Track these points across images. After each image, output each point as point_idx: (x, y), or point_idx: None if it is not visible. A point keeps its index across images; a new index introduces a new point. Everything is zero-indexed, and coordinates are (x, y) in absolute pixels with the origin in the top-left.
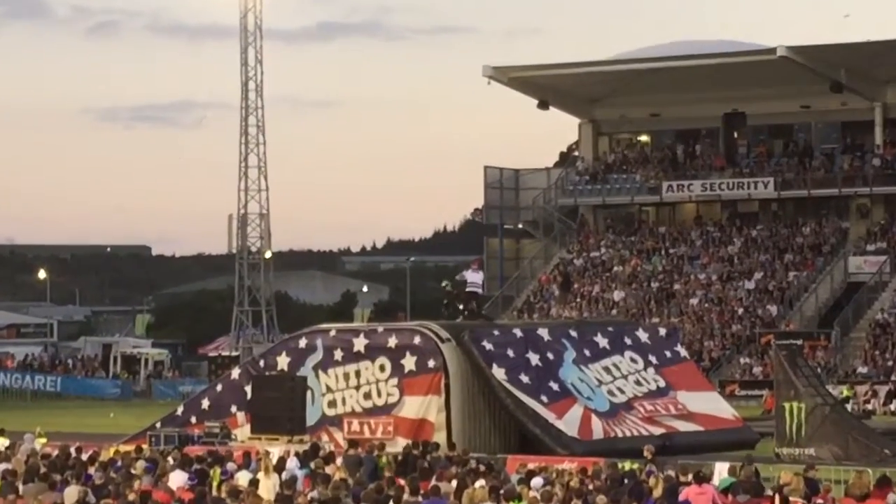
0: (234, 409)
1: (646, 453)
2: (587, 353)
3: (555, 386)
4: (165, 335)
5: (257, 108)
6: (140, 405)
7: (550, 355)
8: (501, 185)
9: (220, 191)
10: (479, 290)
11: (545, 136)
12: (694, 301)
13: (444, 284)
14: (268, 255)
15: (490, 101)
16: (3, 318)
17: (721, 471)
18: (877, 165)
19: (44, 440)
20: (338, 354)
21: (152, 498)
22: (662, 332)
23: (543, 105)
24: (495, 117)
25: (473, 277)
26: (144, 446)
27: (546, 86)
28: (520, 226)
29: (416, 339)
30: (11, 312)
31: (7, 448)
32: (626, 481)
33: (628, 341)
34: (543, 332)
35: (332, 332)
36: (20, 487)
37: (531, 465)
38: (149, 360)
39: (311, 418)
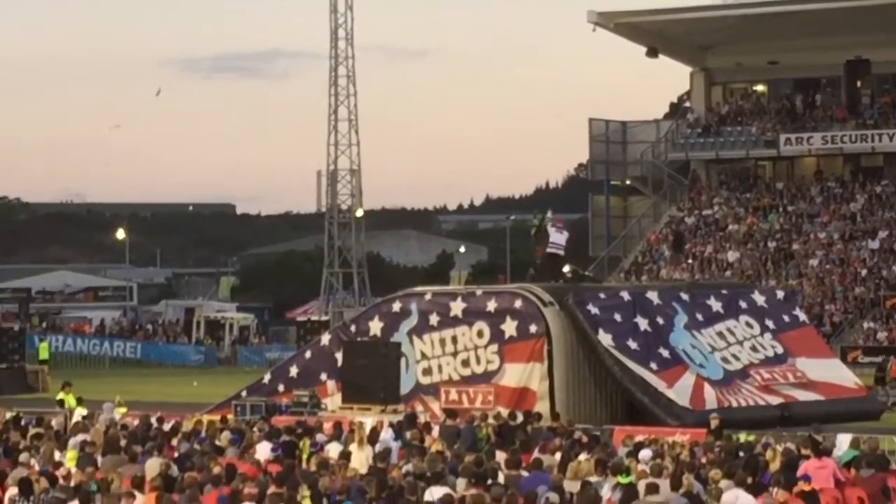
0: (323, 376)
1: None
2: (699, 317)
3: (665, 352)
4: (251, 298)
5: (347, 57)
6: (224, 373)
7: (660, 320)
8: (608, 139)
9: (308, 146)
10: (561, 252)
11: (654, 86)
12: (814, 262)
13: (534, 218)
14: (359, 213)
15: (595, 50)
16: (80, 281)
17: (843, 443)
18: None
19: (124, 410)
20: (433, 319)
21: (238, 471)
22: (780, 295)
23: (652, 53)
24: (601, 66)
25: (556, 238)
26: (229, 416)
27: (655, 32)
28: (627, 182)
29: (517, 303)
30: (89, 275)
31: (85, 418)
32: (741, 454)
33: (743, 305)
34: (653, 296)
35: (428, 296)
36: (99, 460)
37: (639, 437)
38: (234, 325)
39: (406, 387)
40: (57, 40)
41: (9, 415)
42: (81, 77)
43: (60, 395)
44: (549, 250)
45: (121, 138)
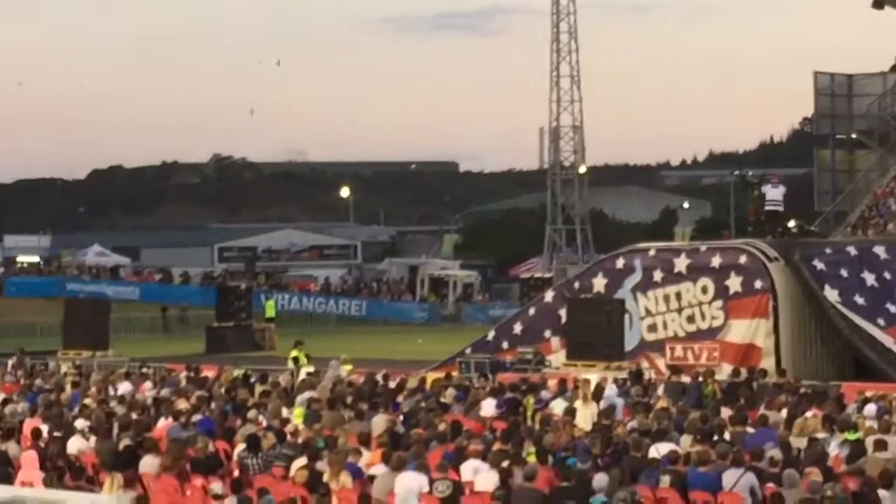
0: (547, 333)
1: None
2: None
3: (893, 308)
4: (474, 256)
5: (569, 13)
6: (449, 330)
7: (887, 275)
8: (833, 92)
9: (530, 102)
10: (780, 208)
11: (881, 38)
12: None
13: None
14: (582, 169)
15: (820, 1)
16: (304, 240)
17: None
18: None
19: (349, 367)
20: (657, 275)
21: (464, 427)
22: None
23: (878, 4)
24: (826, 18)
25: (773, 194)
26: (454, 373)
27: None
28: (853, 136)
29: (742, 259)
30: (313, 234)
31: (312, 375)
32: None
33: None
34: (880, 251)
35: (652, 252)
36: (325, 416)
37: (868, 394)
38: (457, 283)
39: (630, 343)
40: (278, 1)
41: (237, 372)
42: (303, 36)
43: (294, 353)
44: (767, 208)
45: (343, 97)
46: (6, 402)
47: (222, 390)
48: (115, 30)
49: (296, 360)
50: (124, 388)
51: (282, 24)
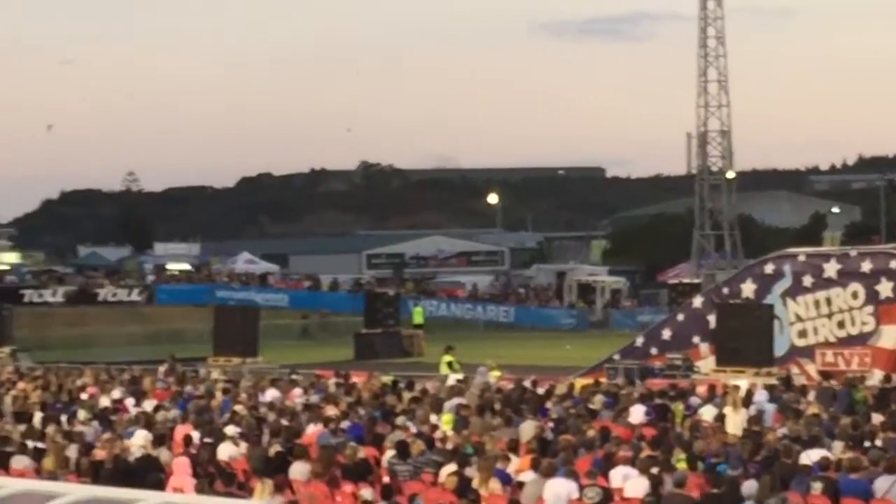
0: (696, 339)
1: None
2: None
3: None
4: (622, 261)
5: (717, 17)
6: (597, 336)
7: None
8: None
9: (677, 108)
10: None
11: None
12: None
13: None
14: (730, 175)
15: None
16: (453, 246)
17: None
18: None
19: (498, 373)
20: (807, 281)
21: (612, 434)
22: None
23: None
24: None
25: None
26: (602, 379)
27: None
28: None
29: (893, 264)
30: (461, 240)
31: (461, 381)
32: None
33: None
34: None
35: (801, 257)
36: (474, 422)
37: None
38: (605, 289)
39: (780, 349)
40: (426, 8)
41: (385, 379)
42: (452, 43)
43: (448, 358)
44: None
45: (490, 103)
46: (158, 408)
47: (370, 396)
48: (263, 40)
49: (450, 364)
50: (272, 394)
51: (429, 30)
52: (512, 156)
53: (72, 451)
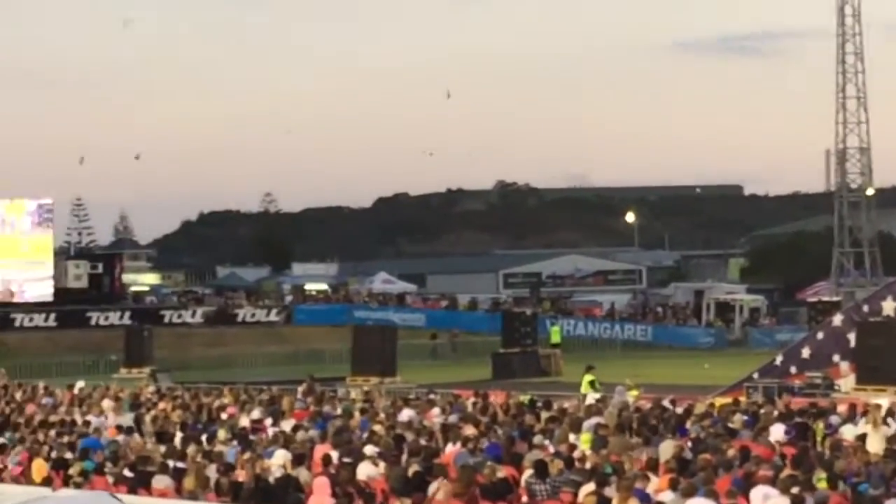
0: (836, 358)
1: None
2: None
3: None
4: (760, 280)
5: (855, 34)
6: (735, 355)
7: None
8: None
9: (815, 124)
10: None
11: None
12: None
13: None
14: (869, 192)
15: None
16: (590, 265)
17: None
18: None
19: (636, 392)
20: None
21: (752, 453)
22: None
23: None
24: None
25: None
26: (742, 398)
27: None
28: None
29: None
30: (599, 259)
31: (599, 401)
32: None
33: None
34: None
35: None
36: (612, 441)
37: None
38: (744, 307)
39: None
40: (561, 27)
41: (523, 398)
42: (586, 61)
43: (590, 377)
44: None
45: (625, 122)
46: (297, 428)
47: (508, 416)
48: (398, 60)
49: (592, 383)
50: (407, 413)
51: (564, 49)
52: (649, 174)
53: (211, 471)
